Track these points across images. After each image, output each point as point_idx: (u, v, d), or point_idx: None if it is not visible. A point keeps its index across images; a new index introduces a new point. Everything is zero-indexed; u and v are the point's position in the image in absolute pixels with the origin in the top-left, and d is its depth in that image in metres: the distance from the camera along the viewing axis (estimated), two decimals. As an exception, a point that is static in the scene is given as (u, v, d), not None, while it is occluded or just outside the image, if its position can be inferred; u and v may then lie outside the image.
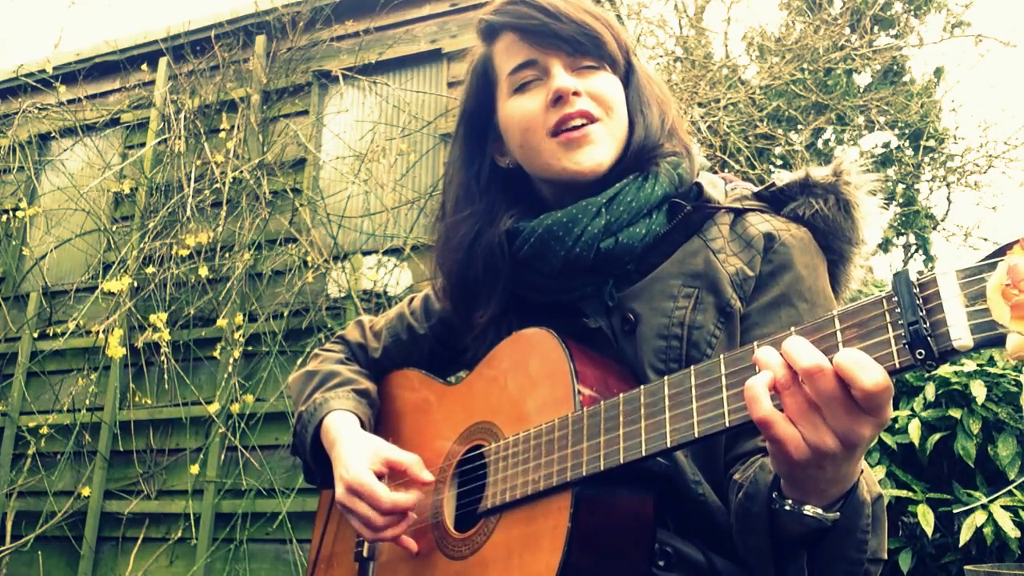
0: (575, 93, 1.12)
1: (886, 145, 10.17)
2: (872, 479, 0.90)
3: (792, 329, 0.80)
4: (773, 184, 1.19)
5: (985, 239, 10.00)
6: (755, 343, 0.82)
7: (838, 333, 0.76)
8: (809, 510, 0.83)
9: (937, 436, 3.55)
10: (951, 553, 3.58)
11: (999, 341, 0.64)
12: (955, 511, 3.38)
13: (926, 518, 3.43)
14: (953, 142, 9.82)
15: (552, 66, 1.14)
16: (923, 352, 0.69)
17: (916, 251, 10.42)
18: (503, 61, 1.20)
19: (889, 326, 0.73)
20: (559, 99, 1.13)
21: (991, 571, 3.16)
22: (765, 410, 0.76)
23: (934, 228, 10.24)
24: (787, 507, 0.84)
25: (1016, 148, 9.24)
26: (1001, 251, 0.64)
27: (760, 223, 1.14)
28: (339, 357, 1.48)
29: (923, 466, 3.70)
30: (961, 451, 3.47)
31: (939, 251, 10.48)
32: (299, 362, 3.63)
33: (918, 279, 0.71)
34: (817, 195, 1.14)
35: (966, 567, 3.32)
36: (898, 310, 0.71)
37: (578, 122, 1.13)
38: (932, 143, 9.53)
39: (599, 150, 1.13)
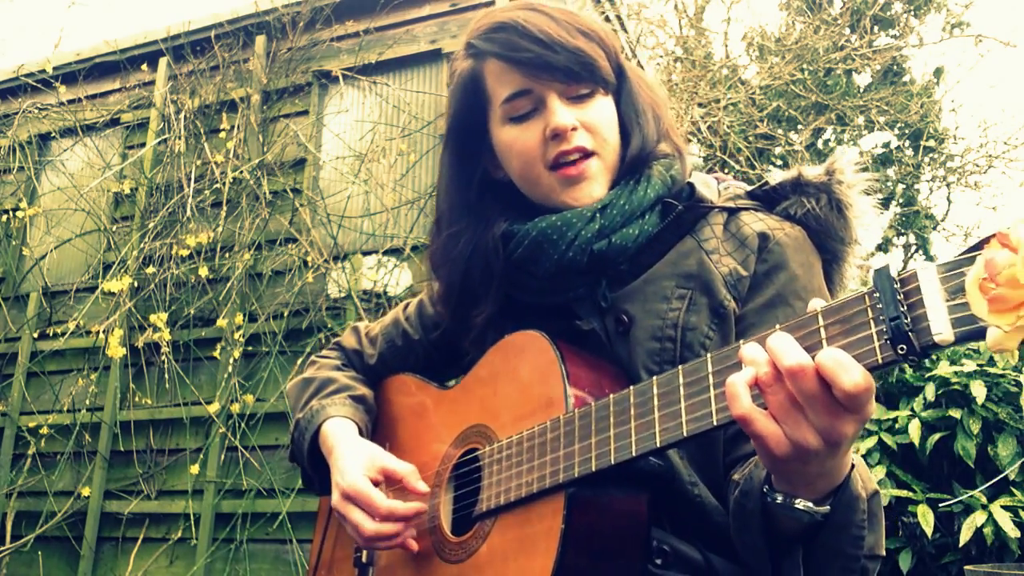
0: (572, 128, 1.13)
1: (886, 145, 10.19)
2: (867, 475, 0.90)
3: (777, 326, 0.80)
4: (766, 183, 1.20)
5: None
6: (741, 341, 0.82)
7: (822, 329, 0.76)
8: (800, 503, 0.84)
9: (937, 436, 3.56)
10: (951, 553, 3.58)
11: (980, 335, 0.64)
12: (953, 508, 3.38)
13: (926, 518, 3.44)
14: (953, 142, 9.84)
15: (548, 97, 1.14)
16: (904, 347, 0.70)
17: (916, 251, 10.43)
18: (496, 85, 1.18)
19: (871, 322, 0.73)
20: (556, 135, 1.14)
21: (991, 571, 3.16)
22: (744, 407, 0.77)
23: (934, 228, 10.26)
24: (778, 500, 0.86)
25: (1016, 148, 9.26)
26: (979, 245, 0.64)
27: (754, 222, 1.14)
28: (336, 364, 1.48)
29: (923, 466, 3.70)
30: (961, 451, 3.47)
31: (939, 251, 10.49)
32: (298, 364, 3.63)
33: (899, 274, 0.71)
34: (809, 194, 1.14)
35: (966, 567, 3.33)
36: (880, 306, 0.72)
37: (575, 156, 1.14)
38: (932, 143, 9.54)
39: (595, 186, 1.15)
